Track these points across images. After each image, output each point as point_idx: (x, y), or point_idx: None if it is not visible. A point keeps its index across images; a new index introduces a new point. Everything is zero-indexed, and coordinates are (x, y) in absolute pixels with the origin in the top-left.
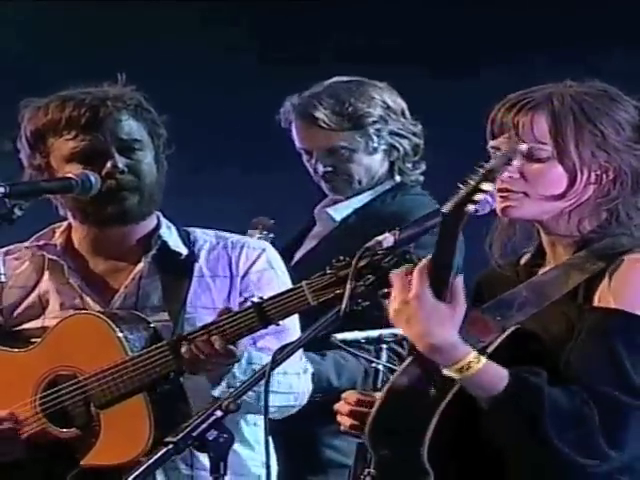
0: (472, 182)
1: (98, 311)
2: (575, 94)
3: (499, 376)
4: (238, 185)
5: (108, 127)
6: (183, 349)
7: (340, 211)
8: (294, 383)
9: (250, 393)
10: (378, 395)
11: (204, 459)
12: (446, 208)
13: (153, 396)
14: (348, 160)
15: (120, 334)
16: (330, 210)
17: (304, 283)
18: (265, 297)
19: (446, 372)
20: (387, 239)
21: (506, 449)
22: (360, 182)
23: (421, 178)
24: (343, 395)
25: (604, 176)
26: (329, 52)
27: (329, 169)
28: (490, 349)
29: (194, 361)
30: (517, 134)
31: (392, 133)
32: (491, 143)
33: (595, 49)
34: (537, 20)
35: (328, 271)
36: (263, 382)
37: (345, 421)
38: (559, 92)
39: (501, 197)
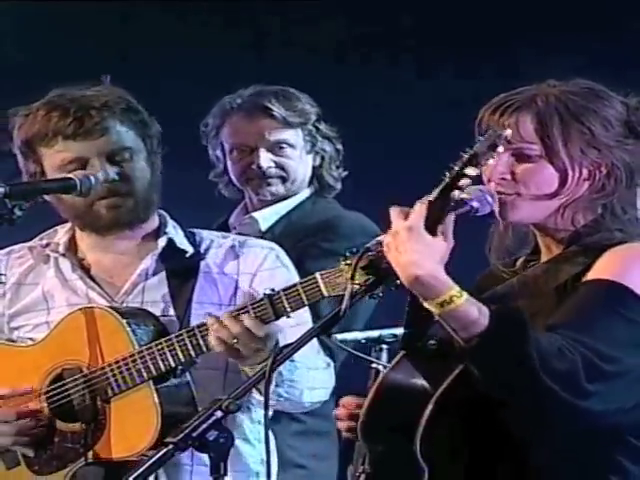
0: (456, 168)
1: (106, 305)
2: (559, 93)
3: (481, 312)
4: None
5: (95, 137)
6: (210, 336)
7: (266, 218)
8: (325, 378)
9: (294, 391)
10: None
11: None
12: (432, 196)
13: (161, 389)
14: (289, 157)
15: (128, 327)
16: (257, 215)
17: (318, 274)
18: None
19: (426, 305)
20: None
21: (497, 405)
22: (293, 182)
23: (339, 187)
24: (341, 401)
25: (597, 172)
26: (329, 53)
27: (272, 164)
28: None
29: (224, 342)
30: None
31: (323, 136)
32: None
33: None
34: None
35: (342, 263)
36: (297, 379)
37: (343, 425)
38: (543, 93)
39: (497, 201)
